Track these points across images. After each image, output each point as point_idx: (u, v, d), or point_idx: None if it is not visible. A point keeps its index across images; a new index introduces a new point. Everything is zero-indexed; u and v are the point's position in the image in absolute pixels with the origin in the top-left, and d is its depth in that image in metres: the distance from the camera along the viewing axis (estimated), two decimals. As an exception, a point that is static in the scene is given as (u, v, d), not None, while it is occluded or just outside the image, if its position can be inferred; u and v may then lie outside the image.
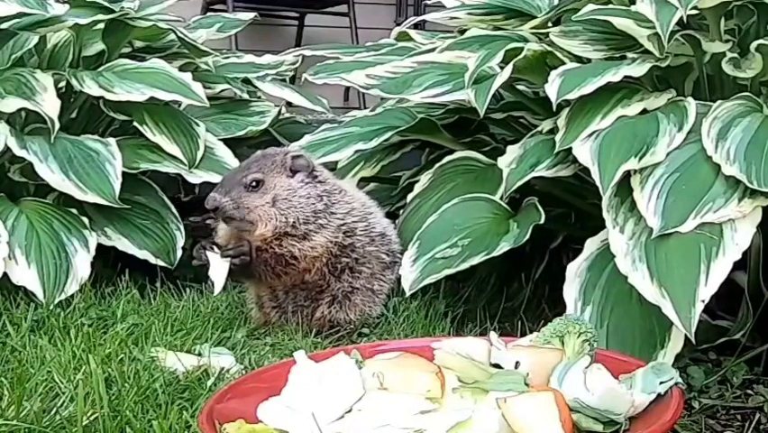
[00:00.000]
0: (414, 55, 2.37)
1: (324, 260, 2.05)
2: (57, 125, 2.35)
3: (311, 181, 2.06)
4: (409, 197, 2.26)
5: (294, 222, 2.01)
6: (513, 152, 2.07)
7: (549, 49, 2.10)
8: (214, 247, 2.04)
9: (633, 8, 2.02)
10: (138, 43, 2.86)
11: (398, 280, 2.06)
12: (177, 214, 2.51)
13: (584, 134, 1.88)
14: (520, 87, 2.28)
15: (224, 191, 2.02)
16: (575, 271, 1.83)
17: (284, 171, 2.04)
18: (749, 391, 1.79)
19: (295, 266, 2.04)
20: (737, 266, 1.69)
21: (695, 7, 1.93)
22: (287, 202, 2.02)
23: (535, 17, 2.35)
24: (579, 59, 2.11)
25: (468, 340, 1.53)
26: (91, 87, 2.43)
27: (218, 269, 2.01)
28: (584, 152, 1.85)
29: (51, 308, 2.12)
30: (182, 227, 2.49)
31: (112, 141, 2.42)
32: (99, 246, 2.32)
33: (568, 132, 1.92)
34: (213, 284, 2.02)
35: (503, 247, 1.96)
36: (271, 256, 2.03)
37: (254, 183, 2.02)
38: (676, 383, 1.38)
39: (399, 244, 2.13)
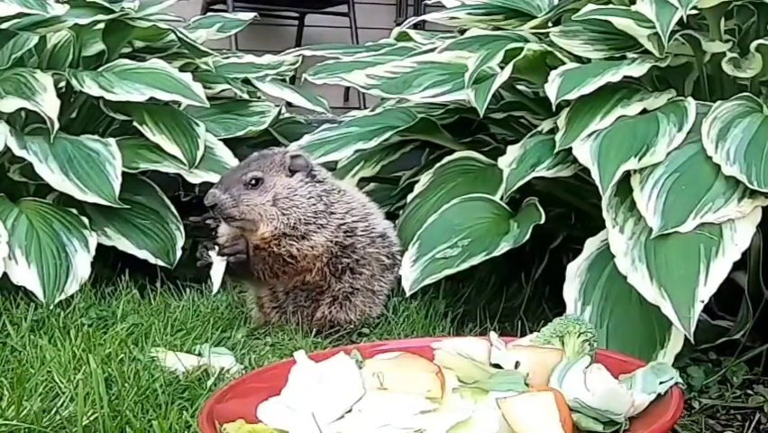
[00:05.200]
0: (414, 55, 2.37)
1: (325, 260, 2.04)
2: (56, 125, 2.35)
3: (310, 181, 2.05)
4: (409, 197, 2.25)
5: (294, 223, 2.01)
6: (513, 152, 2.07)
7: (549, 49, 2.09)
8: (216, 246, 2.04)
9: (633, 8, 2.02)
10: (138, 43, 2.85)
11: (398, 280, 2.06)
12: (177, 214, 2.52)
13: (584, 134, 1.88)
14: (520, 87, 2.28)
15: (223, 188, 2.02)
16: (575, 271, 1.83)
17: (283, 171, 2.04)
18: (749, 391, 1.79)
19: (293, 265, 2.04)
20: (737, 266, 1.69)
21: (695, 7, 1.93)
22: (288, 201, 2.02)
23: (535, 17, 2.34)
24: (579, 59, 2.11)
25: (468, 340, 1.53)
26: (91, 88, 2.43)
27: (217, 268, 2.02)
28: (584, 151, 1.85)
29: (51, 308, 2.12)
30: (182, 227, 2.49)
31: (112, 141, 2.42)
32: (99, 246, 2.32)
33: (568, 132, 1.93)
34: (212, 283, 2.03)
35: (503, 247, 1.96)
36: (269, 255, 2.03)
37: (254, 181, 2.02)
38: (676, 383, 1.38)
39: (399, 245, 2.13)
